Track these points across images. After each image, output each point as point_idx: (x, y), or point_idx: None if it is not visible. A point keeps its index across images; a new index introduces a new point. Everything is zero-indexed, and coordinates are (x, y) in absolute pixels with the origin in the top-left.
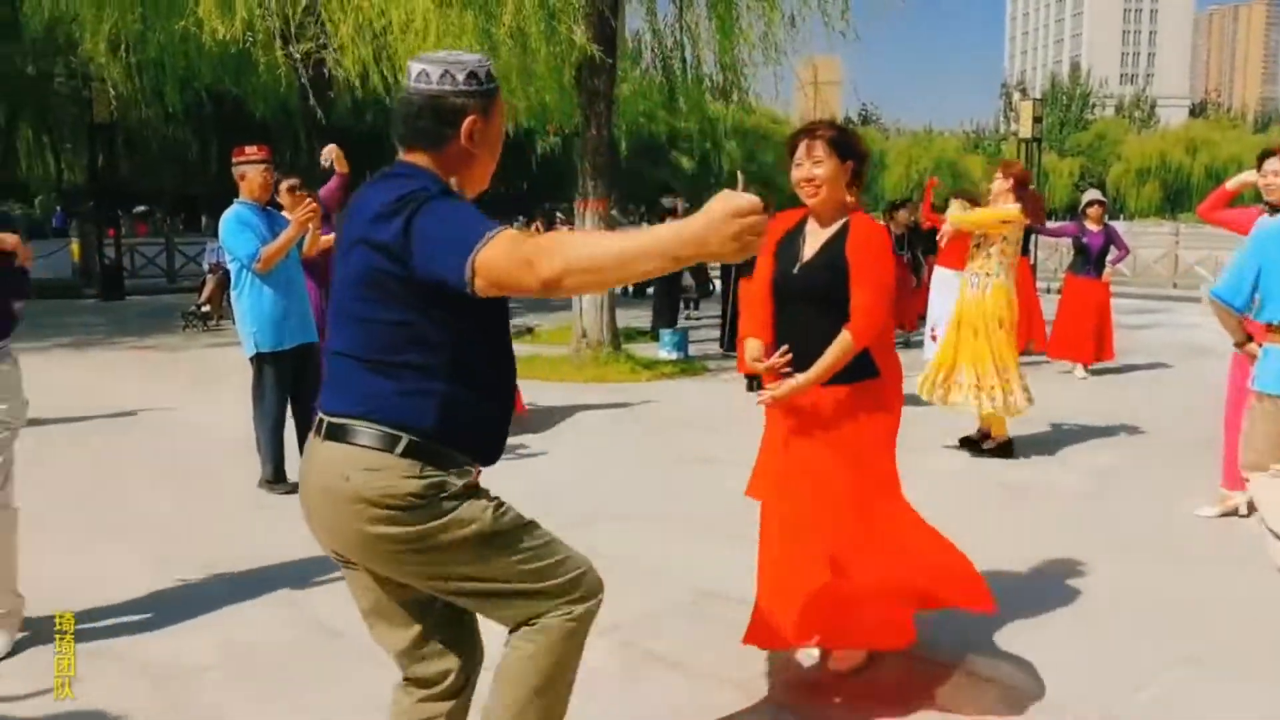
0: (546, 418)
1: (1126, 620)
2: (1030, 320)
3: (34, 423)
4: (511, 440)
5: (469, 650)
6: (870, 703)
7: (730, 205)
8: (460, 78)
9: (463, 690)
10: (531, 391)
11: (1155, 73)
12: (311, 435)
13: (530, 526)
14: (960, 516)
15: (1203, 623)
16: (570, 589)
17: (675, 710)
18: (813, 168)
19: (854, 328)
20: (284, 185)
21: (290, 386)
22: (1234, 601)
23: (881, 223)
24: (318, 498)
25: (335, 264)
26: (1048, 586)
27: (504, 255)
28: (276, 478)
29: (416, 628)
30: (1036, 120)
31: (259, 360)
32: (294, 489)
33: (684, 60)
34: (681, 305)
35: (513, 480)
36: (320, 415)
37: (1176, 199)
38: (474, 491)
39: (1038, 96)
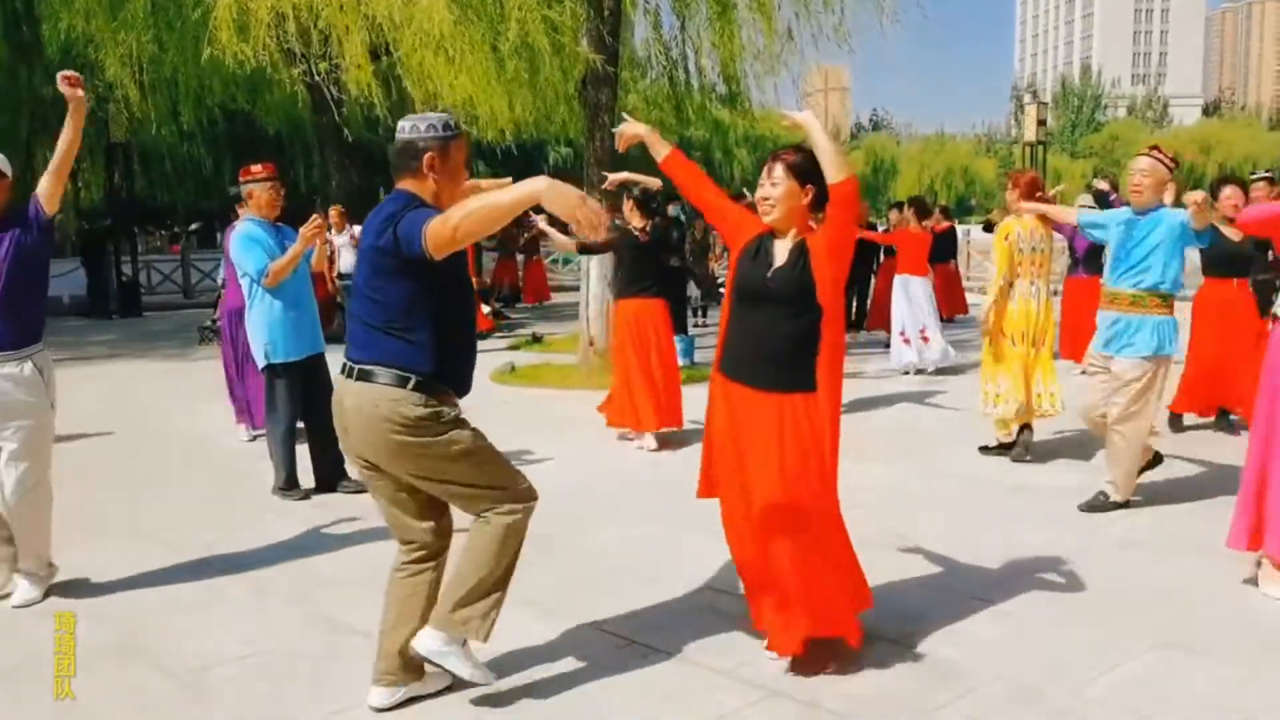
0: (555, 424)
1: (1102, 607)
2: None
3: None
4: (522, 445)
5: (447, 526)
6: (850, 687)
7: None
8: (423, 128)
9: (441, 553)
10: (541, 400)
11: (1167, 72)
12: (341, 377)
13: (493, 450)
14: (946, 508)
15: (1178, 610)
16: (514, 496)
17: (668, 696)
18: (771, 188)
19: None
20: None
21: (301, 395)
22: (1207, 587)
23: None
24: (354, 420)
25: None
26: (1029, 575)
27: (435, 223)
28: (289, 484)
29: (418, 509)
30: (1041, 123)
31: (271, 371)
32: (306, 495)
33: (688, 71)
34: (690, 313)
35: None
36: (347, 362)
37: None
38: (461, 421)
39: (1047, 100)
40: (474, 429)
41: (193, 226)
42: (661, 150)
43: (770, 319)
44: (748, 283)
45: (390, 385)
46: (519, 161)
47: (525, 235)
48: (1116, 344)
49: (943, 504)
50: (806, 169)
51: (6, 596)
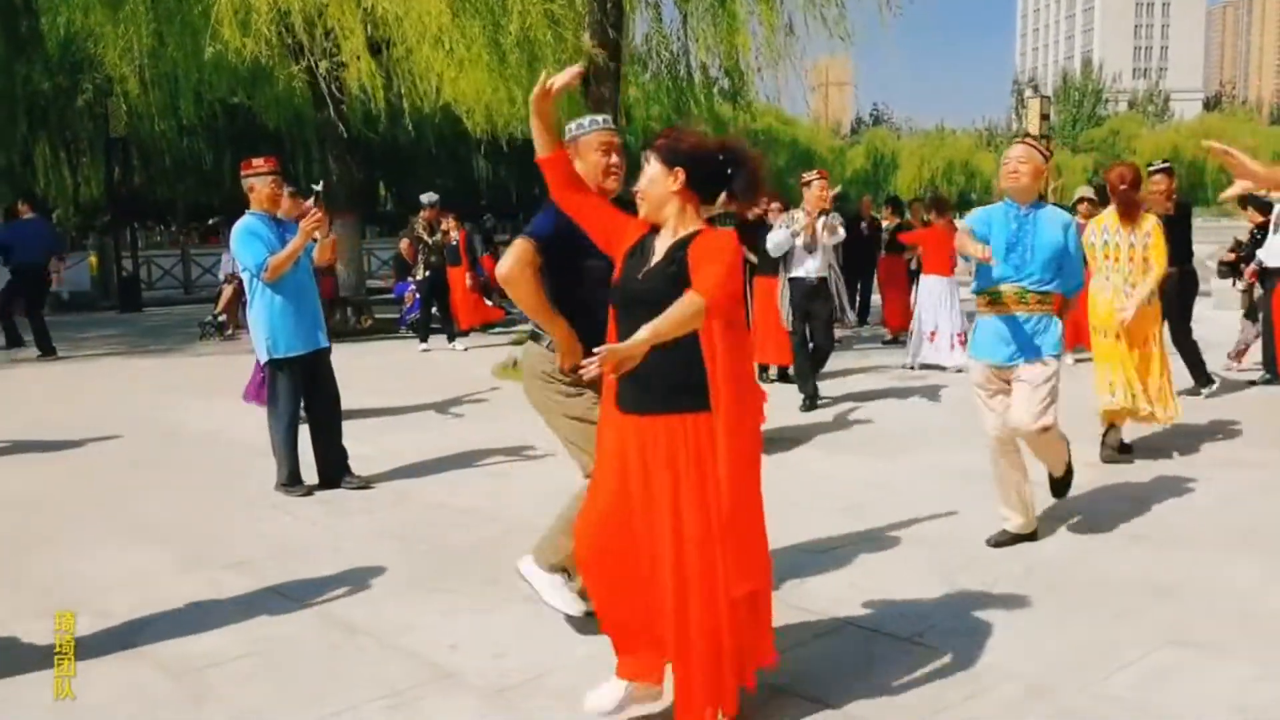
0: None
1: (1110, 602)
2: None
3: (54, 433)
4: (523, 440)
5: None
6: (860, 686)
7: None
8: (565, 129)
9: None
10: None
11: (1168, 66)
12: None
13: (590, 428)
14: (953, 505)
15: (1189, 607)
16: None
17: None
18: (641, 179)
19: (701, 289)
20: (285, 192)
21: (304, 391)
22: (1216, 584)
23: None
24: (522, 372)
25: None
26: (1035, 569)
27: (517, 242)
28: (292, 480)
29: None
30: (1044, 118)
31: (272, 366)
32: (309, 491)
33: (689, 65)
34: None
35: (521, 480)
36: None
37: (1190, 193)
38: (580, 390)
39: (1048, 94)
40: (591, 400)
41: (211, 221)
42: (548, 144)
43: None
44: (622, 285)
45: (538, 344)
46: (518, 157)
47: None
48: (1041, 348)
49: (950, 501)
50: (671, 149)
51: None
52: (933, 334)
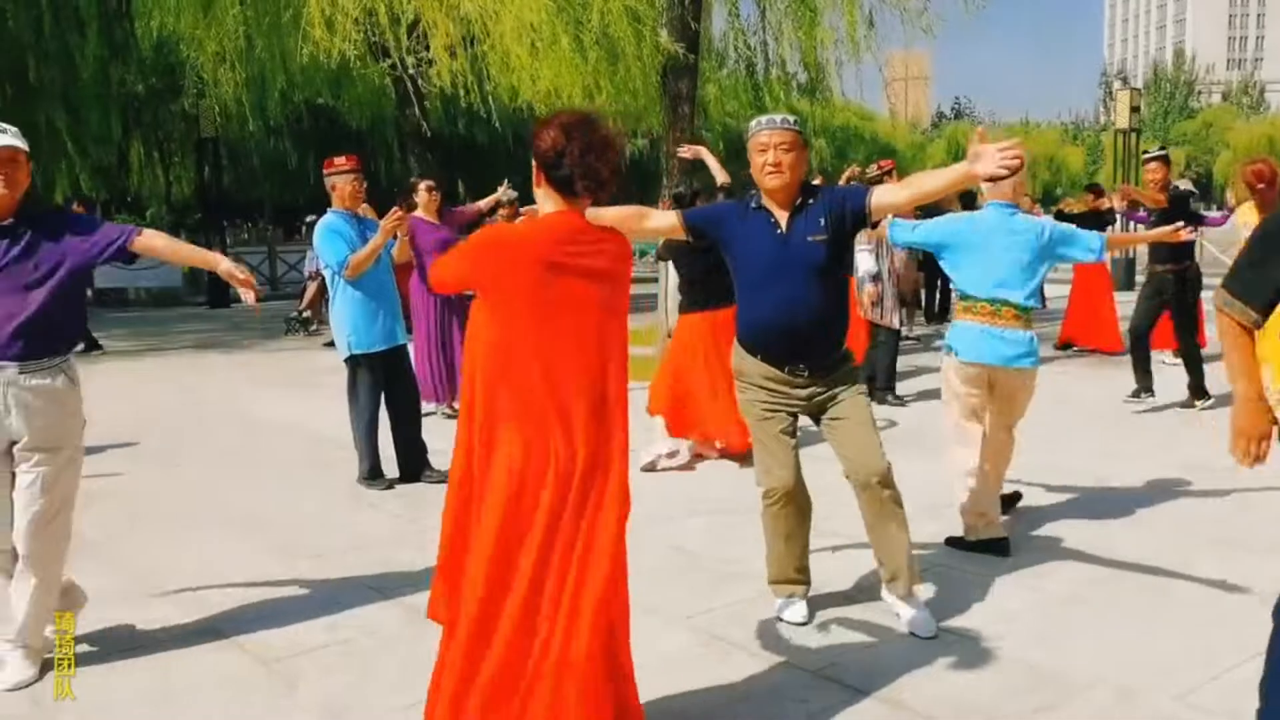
0: (634, 416)
1: (1203, 609)
2: (1098, 322)
3: (142, 425)
4: None
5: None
6: (932, 684)
7: None
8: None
9: (789, 502)
10: None
11: (1264, 56)
12: None
13: (764, 431)
14: (1043, 505)
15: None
16: (761, 481)
17: (748, 696)
18: None
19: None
20: (423, 185)
21: (384, 386)
22: None
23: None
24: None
25: None
26: (1125, 574)
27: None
28: (373, 474)
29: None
30: (1134, 110)
31: (353, 362)
32: (390, 485)
33: (767, 60)
34: None
35: None
36: None
37: None
38: (748, 388)
39: (1138, 86)
40: (760, 410)
41: (309, 219)
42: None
43: None
44: None
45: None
46: None
47: None
48: None
49: (1029, 500)
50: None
51: None
52: None
